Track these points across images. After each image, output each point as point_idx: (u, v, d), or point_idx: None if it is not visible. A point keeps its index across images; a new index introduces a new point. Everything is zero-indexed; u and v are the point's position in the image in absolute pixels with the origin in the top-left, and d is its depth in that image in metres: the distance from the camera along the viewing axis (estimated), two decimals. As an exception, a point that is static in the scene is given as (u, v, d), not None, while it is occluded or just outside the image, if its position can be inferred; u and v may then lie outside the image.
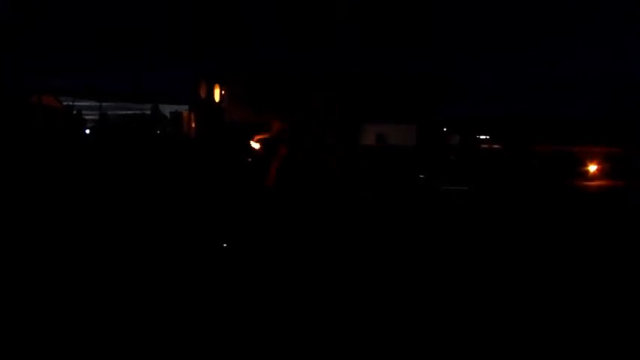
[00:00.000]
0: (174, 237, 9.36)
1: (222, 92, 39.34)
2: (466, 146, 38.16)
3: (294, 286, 7.08)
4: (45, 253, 8.20)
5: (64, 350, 5.05)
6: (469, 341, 5.50)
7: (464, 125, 47.13)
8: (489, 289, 7.18)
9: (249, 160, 13.88)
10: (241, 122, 32.59)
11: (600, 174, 25.06)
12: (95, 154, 25.19)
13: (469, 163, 26.18)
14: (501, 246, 9.78)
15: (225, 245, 8.94)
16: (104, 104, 54.31)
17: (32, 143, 25.16)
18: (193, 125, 42.14)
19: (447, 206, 14.56)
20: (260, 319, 5.89)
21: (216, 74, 40.18)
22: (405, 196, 15.87)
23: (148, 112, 52.07)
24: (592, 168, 25.76)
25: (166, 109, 51.77)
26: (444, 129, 41.93)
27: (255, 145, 12.78)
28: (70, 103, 50.31)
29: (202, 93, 40.10)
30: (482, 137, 47.80)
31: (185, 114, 45.29)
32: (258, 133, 12.98)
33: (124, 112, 52.68)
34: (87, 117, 47.07)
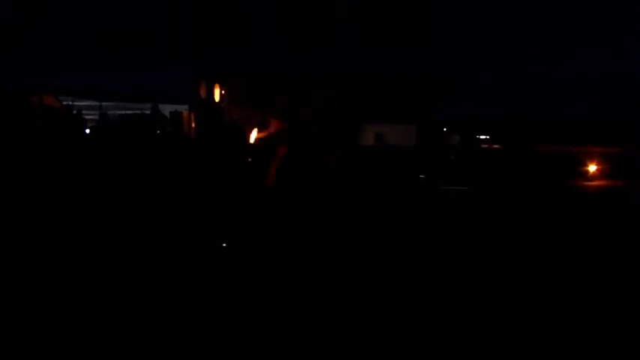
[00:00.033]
0: (174, 237, 9.35)
1: (222, 92, 39.31)
2: (466, 146, 38.18)
3: (293, 286, 7.09)
4: (45, 253, 8.20)
5: (64, 350, 5.05)
6: (469, 341, 5.50)
7: (464, 125, 47.15)
8: (490, 289, 7.18)
9: (249, 160, 13.88)
10: (241, 122, 32.59)
11: (600, 174, 25.06)
12: (95, 153, 25.19)
13: (469, 163, 26.19)
14: (501, 246, 9.78)
15: (224, 245, 8.94)
16: (104, 104, 54.35)
17: (32, 143, 25.16)
18: (193, 125, 42.13)
19: (447, 206, 14.56)
20: (259, 318, 5.89)
21: (216, 74, 40.17)
22: (405, 196, 15.87)
23: (148, 111, 52.04)
24: (592, 168, 25.76)
25: (166, 109, 51.74)
26: (444, 129, 41.94)
27: (255, 143, 12.79)
28: (70, 103, 50.32)
29: (202, 93, 40.06)
30: (482, 137, 47.82)
31: (185, 114, 45.27)
32: (258, 132, 12.99)
33: (124, 112, 52.67)
34: (87, 117, 47.07)
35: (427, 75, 41.54)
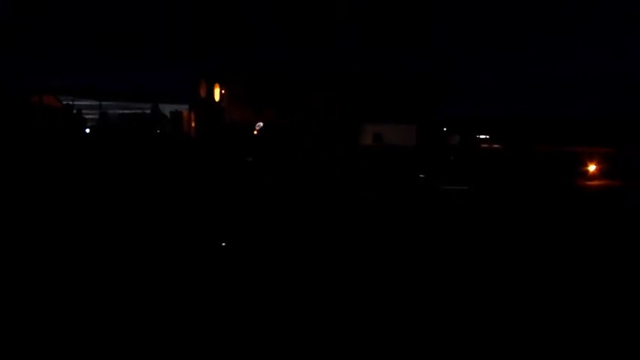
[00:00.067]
0: (174, 235, 9.36)
1: (222, 92, 39.40)
2: (466, 146, 38.17)
3: (293, 285, 7.09)
4: (45, 251, 8.21)
5: (64, 349, 5.06)
6: (470, 340, 5.51)
7: (464, 125, 47.11)
8: (490, 288, 7.18)
9: (249, 159, 13.91)
10: (241, 122, 32.65)
11: (600, 174, 25.08)
12: (95, 153, 25.19)
13: (469, 163, 26.19)
14: (501, 245, 9.79)
15: (223, 244, 8.94)
16: (104, 103, 54.33)
17: (32, 142, 25.16)
18: (193, 124, 42.17)
19: (447, 205, 14.56)
20: (259, 318, 5.90)
21: (216, 74, 40.24)
22: (405, 196, 15.87)
23: (148, 111, 52.02)
24: (591, 168, 25.78)
25: (166, 109, 51.73)
26: (444, 129, 41.95)
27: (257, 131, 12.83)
28: (70, 103, 50.29)
29: (202, 92, 40.16)
30: (482, 137, 47.80)
31: (185, 113, 45.31)
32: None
33: (124, 112, 52.65)
34: (87, 116, 47.06)
35: (427, 75, 41.57)
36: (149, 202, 12.81)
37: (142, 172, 18.73)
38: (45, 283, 6.89)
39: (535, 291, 7.14)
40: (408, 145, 32.52)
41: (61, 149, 24.67)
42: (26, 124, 33.09)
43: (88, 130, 41.29)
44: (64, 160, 20.84)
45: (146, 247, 8.67)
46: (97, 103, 54.09)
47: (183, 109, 46.44)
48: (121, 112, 52.49)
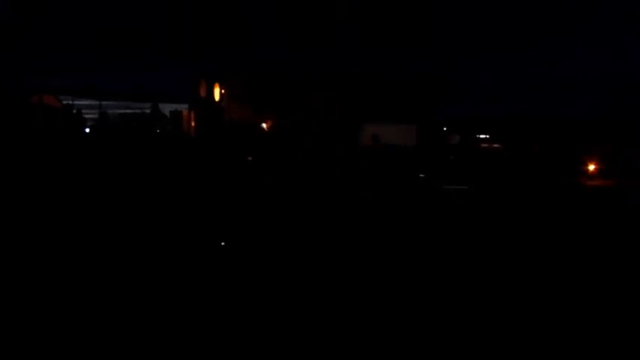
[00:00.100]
0: (173, 235, 9.35)
1: (222, 91, 39.37)
2: (466, 146, 38.13)
3: (292, 285, 7.08)
4: (45, 251, 8.21)
5: (64, 349, 5.05)
6: (470, 339, 5.50)
7: (464, 125, 47.06)
8: (490, 287, 7.18)
9: (249, 159, 13.91)
10: (241, 121, 32.63)
11: (599, 173, 25.10)
12: (94, 152, 25.17)
13: (469, 163, 26.18)
14: (501, 244, 9.78)
15: (223, 244, 8.94)
16: (104, 103, 54.32)
17: (32, 142, 25.15)
18: (193, 124, 42.14)
19: (447, 205, 14.56)
20: (258, 317, 5.89)
21: (216, 74, 40.20)
22: (405, 196, 15.86)
23: (148, 111, 51.99)
24: (591, 167, 25.80)
25: (166, 108, 51.72)
26: (444, 129, 41.90)
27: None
28: (70, 102, 50.27)
29: (202, 92, 40.12)
30: (482, 137, 47.73)
31: (185, 113, 45.28)
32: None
33: (124, 111, 52.62)
34: (87, 116, 47.03)
35: (427, 75, 41.54)
36: (149, 201, 12.81)
37: (141, 172, 18.72)
38: (44, 282, 6.89)
39: (535, 290, 7.14)
40: (408, 145, 32.46)
41: (61, 149, 24.65)
42: (26, 124, 33.07)
43: (87, 130, 41.26)
44: (64, 160, 20.83)
45: (145, 247, 8.67)
46: (97, 102, 54.07)
47: (183, 108, 46.42)
48: (121, 111, 52.47)
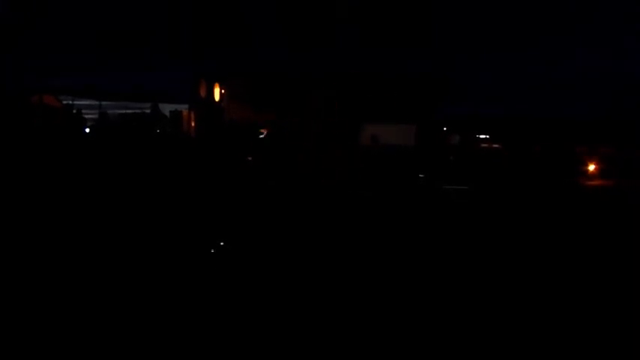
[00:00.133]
0: (173, 235, 9.36)
1: (222, 91, 39.39)
2: (466, 146, 38.15)
3: (292, 285, 7.09)
4: (44, 251, 8.21)
5: (64, 349, 5.06)
6: (470, 339, 5.50)
7: (464, 125, 47.08)
8: (490, 288, 7.18)
9: (249, 159, 13.90)
10: (241, 122, 32.65)
11: (599, 173, 25.11)
12: (94, 152, 25.18)
13: (469, 163, 26.20)
14: (501, 244, 9.79)
15: (222, 244, 8.94)
16: (104, 103, 54.34)
17: (32, 142, 25.16)
18: (193, 124, 42.15)
19: (446, 205, 14.56)
20: (257, 317, 5.89)
21: (216, 74, 40.23)
22: (405, 196, 15.87)
23: (148, 111, 52.00)
24: (591, 167, 25.82)
25: (166, 108, 51.72)
26: (444, 129, 41.91)
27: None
28: (70, 102, 50.28)
29: (202, 92, 40.14)
30: (482, 137, 47.75)
31: (185, 113, 45.29)
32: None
33: (124, 111, 52.65)
34: (87, 116, 47.03)
35: (427, 75, 41.55)
36: (149, 201, 12.81)
37: (141, 172, 18.73)
38: (44, 282, 6.89)
39: (535, 290, 7.14)
40: (408, 145, 32.48)
41: (60, 149, 24.66)
42: (26, 124, 33.09)
43: (87, 130, 41.27)
44: (64, 160, 20.83)
45: (145, 247, 8.67)
46: (97, 102, 54.08)
47: (183, 108, 46.43)
48: (121, 112, 52.50)
